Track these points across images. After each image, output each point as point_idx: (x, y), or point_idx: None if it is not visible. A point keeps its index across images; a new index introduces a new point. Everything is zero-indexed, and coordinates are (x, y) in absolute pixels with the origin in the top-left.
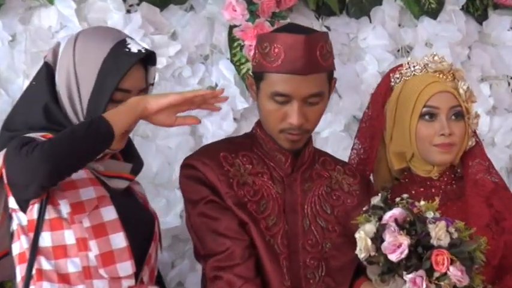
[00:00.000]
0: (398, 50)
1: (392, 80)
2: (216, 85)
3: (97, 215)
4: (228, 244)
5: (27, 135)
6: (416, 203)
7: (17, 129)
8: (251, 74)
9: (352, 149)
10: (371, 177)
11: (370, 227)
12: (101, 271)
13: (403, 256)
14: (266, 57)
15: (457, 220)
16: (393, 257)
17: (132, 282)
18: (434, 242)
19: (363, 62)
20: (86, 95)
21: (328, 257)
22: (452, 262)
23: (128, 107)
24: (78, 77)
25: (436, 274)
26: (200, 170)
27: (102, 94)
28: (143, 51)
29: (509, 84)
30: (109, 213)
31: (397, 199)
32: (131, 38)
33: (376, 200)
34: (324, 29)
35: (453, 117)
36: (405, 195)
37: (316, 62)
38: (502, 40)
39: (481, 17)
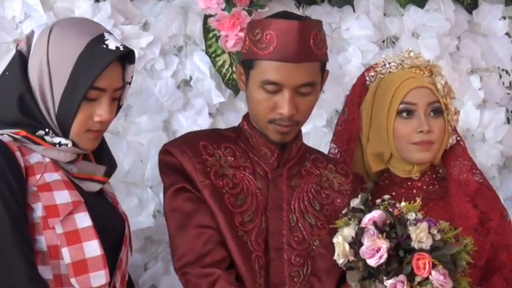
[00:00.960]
0: (384, 41)
1: (368, 78)
2: (191, 78)
3: (71, 221)
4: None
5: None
6: (397, 204)
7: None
8: (240, 62)
9: (328, 153)
10: None
11: (348, 231)
12: (73, 280)
13: (382, 261)
14: (257, 44)
15: (442, 221)
16: (372, 262)
17: None
18: (415, 244)
19: (346, 54)
20: (59, 92)
21: (315, 255)
22: (434, 266)
23: None
24: (51, 71)
25: (418, 279)
26: (177, 157)
27: (76, 92)
28: (121, 48)
29: (500, 76)
30: (83, 219)
31: (378, 200)
32: (110, 33)
33: (355, 202)
34: None
35: (432, 113)
36: (386, 196)
37: (310, 50)
38: (493, 30)
39: (470, 6)
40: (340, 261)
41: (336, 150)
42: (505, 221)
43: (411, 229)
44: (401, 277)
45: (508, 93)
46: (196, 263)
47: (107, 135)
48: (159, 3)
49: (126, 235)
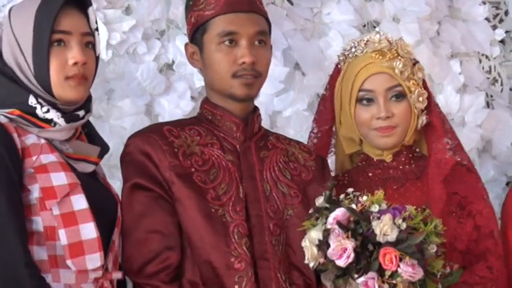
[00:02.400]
0: (364, 26)
1: (340, 62)
2: (173, 62)
3: (67, 203)
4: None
5: None
6: (360, 198)
7: None
8: (188, 43)
9: (310, 131)
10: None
11: (315, 234)
12: (68, 262)
13: (350, 260)
14: (205, 7)
15: (408, 206)
16: (341, 263)
17: (99, 273)
18: (380, 238)
19: (327, 38)
20: (28, 50)
21: (289, 225)
22: (401, 258)
23: None
24: (19, 41)
25: (388, 273)
26: (143, 145)
27: (41, 40)
28: None
29: (480, 61)
30: (80, 201)
31: (342, 196)
32: None
33: (319, 201)
34: (287, 4)
35: (393, 98)
36: (350, 190)
37: (255, 2)
38: (473, 15)
39: None
40: (311, 264)
41: (317, 130)
42: (488, 204)
43: (374, 224)
44: (372, 274)
45: (488, 78)
46: (138, 273)
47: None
48: None
49: (119, 217)
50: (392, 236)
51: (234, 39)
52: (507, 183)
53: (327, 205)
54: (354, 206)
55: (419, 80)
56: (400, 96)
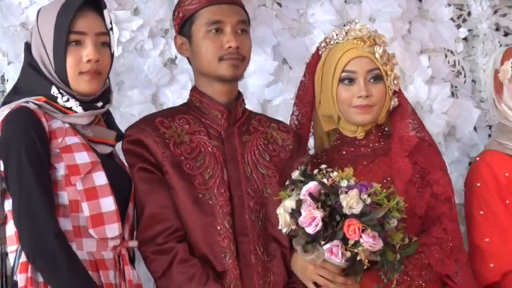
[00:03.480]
0: (344, 25)
1: (320, 49)
2: (176, 57)
3: (89, 179)
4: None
5: (23, 101)
6: (332, 174)
7: (20, 93)
8: (177, 35)
9: (291, 114)
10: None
11: (289, 203)
12: (91, 231)
13: (318, 228)
14: (191, 2)
15: (375, 183)
16: (310, 230)
17: (118, 242)
18: (346, 211)
19: (312, 36)
20: (50, 48)
21: (268, 202)
22: (364, 230)
23: None
24: (43, 40)
25: (351, 242)
26: (139, 136)
27: (60, 39)
28: None
29: (446, 56)
30: (100, 178)
31: (315, 171)
32: None
33: (295, 174)
34: (276, 6)
35: (372, 80)
36: (323, 166)
37: None
38: (440, 15)
39: None
40: (284, 230)
41: (298, 112)
42: (445, 174)
43: (342, 197)
44: (336, 242)
45: (453, 71)
46: (151, 242)
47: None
48: None
49: (133, 193)
50: (357, 209)
51: (219, 28)
52: (469, 163)
53: (302, 178)
54: (325, 180)
55: (393, 65)
56: (378, 78)
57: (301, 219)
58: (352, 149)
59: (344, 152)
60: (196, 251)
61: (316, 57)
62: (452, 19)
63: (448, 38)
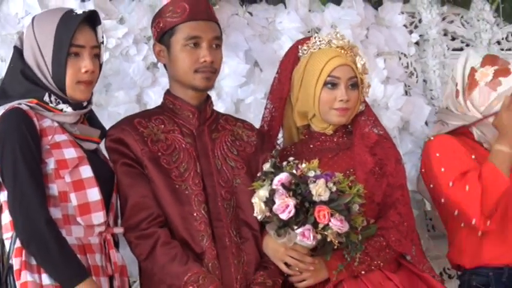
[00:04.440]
0: (309, 31)
1: (300, 51)
2: (158, 61)
3: (76, 172)
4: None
5: (17, 103)
6: (299, 165)
7: (10, 96)
8: (156, 43)
9: (265, 108)
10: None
11: (263, 192)
12: (78, 219)
13: (291, 215)
14: (172, 15)
15: (337, 173)
16: (284, 216)
17: (103, 228)
18: (316, 198)
19: (280, 42)
20: (49, 58)
21: (238, 191)
22: (332, 215)
23: None
24: (40, 47)
25: (321, 226)
26: (119, 135)
27: (61, 52)
28: (87, 11)
29: (400, 58)
30: (86, 171)
31: (284, 163)
32: (75, 9)
33: (266, 166)
34: (247, 15)
35: (350, 86)
36: (291, 158)
37: (211, 12)
38: (394, 22)
39: (376, 4)
40: (259, 217)
41: (271, 106)
42: (399, 165)
43: (311, 186)
44: (308, 226)
45: (406, 72)
46: (135, 228)
47: (92, 107)
48: (132, 3)
49: (116, 184)
50: (325, 196)
51: (197, 42)
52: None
53: (272, 170)
54: (294, 171)
55: (365, 75)
56: (355, 85)
57: (275, 207)
58: (318, 143)
59: (311, 146)
60: (176, 236)
61: (293, 58)
62: (405, 25)
63: (401, 43)
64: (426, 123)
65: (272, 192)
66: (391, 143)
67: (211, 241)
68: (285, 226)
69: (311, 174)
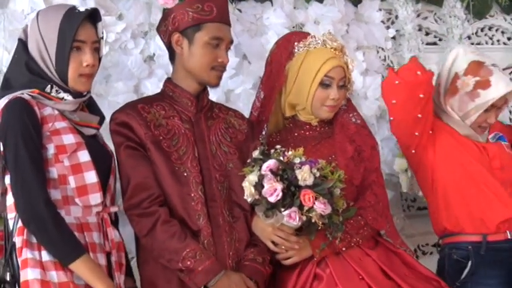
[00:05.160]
0: (294, 27)
1: (296, 48)
2: (154, 54)
3: (75, 157)
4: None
5: (20, 93)
6: (286, 152)
7: (13, 87)
8: (180, 33)
9: (256, 96)
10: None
11: (252, 177)
12: (77, 200)
13: (278, 198)
14: (201, 12)
15: (320, 160)
16: (272, 199)
17: (100, 208)
18: (301, 183)
19: (267, 36)
20: (53, 52)
21: (230, 174)
22: (316, 198)
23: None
24: (45, 41)
25: (306, 208)
26: (124, 119)
27: (65, 46)
28: (89, 9)
29: (377, 52)
30: (84, 155)
31: (272, 150)
32: (78, 6)
33: (256, 153)
34: (237, 11)
35: (340, 85)
36: (278, 146)
37: (229, 17)
38: (372, 19)
39: (356, 1)
40: (249, 199)
41: (262, 95)
42: (375, 151)
43: (297, 172)
44: (294, 208)
45: (383, 64)
46: (137, 206)
47: (93, 96)
48: (130, 0)
49: (113, 167)
50: (310, 181)
51: (218, 43)
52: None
53: (261, 157)
54: (281, 158)
55: (352, 72)
56: (344, 85)
57: (264, 191)
58: (302, 131)
59: (296, 134)
60: (174, 215)
61: (286, 52)
62: (382, 21)
63: (379, 37)
64: None
65: (261, 177)
66: (368, 131)
67: (207, 220)
68: (272, 208)
69: (297, 160)
